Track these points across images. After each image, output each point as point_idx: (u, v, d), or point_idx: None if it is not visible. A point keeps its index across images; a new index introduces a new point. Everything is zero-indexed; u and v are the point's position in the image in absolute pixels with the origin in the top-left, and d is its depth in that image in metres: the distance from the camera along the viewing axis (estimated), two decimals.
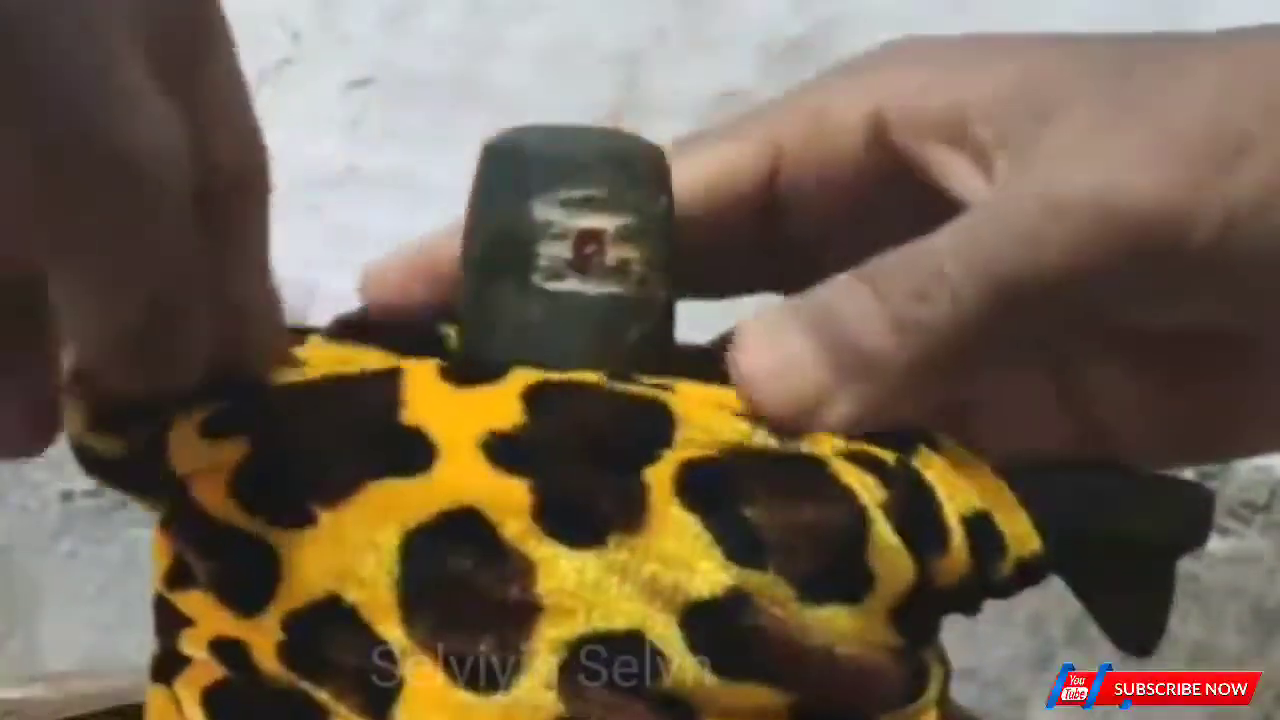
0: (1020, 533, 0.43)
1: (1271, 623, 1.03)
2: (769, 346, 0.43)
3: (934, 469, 0.43)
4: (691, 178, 0.47)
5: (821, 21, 1.01)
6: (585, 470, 0.40)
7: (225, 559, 0.42)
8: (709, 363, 0.45)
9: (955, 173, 0.47)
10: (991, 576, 0.43)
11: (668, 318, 0.45)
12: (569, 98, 1.00)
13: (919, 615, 0.43)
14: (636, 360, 0.43)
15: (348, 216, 1.00)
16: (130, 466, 0.43)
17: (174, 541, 0.43)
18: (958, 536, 0.42)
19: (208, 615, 0.42)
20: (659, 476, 0.40)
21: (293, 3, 1.01)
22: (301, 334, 0.46)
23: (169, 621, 0.44)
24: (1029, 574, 0.44)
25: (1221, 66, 0.44)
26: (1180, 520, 0.46)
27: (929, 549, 0.42)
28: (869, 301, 0.44)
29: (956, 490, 0.43)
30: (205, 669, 0.42)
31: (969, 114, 0.47)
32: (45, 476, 1.02)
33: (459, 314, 0.45)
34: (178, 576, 0.43)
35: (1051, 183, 0.43)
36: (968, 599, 0.44)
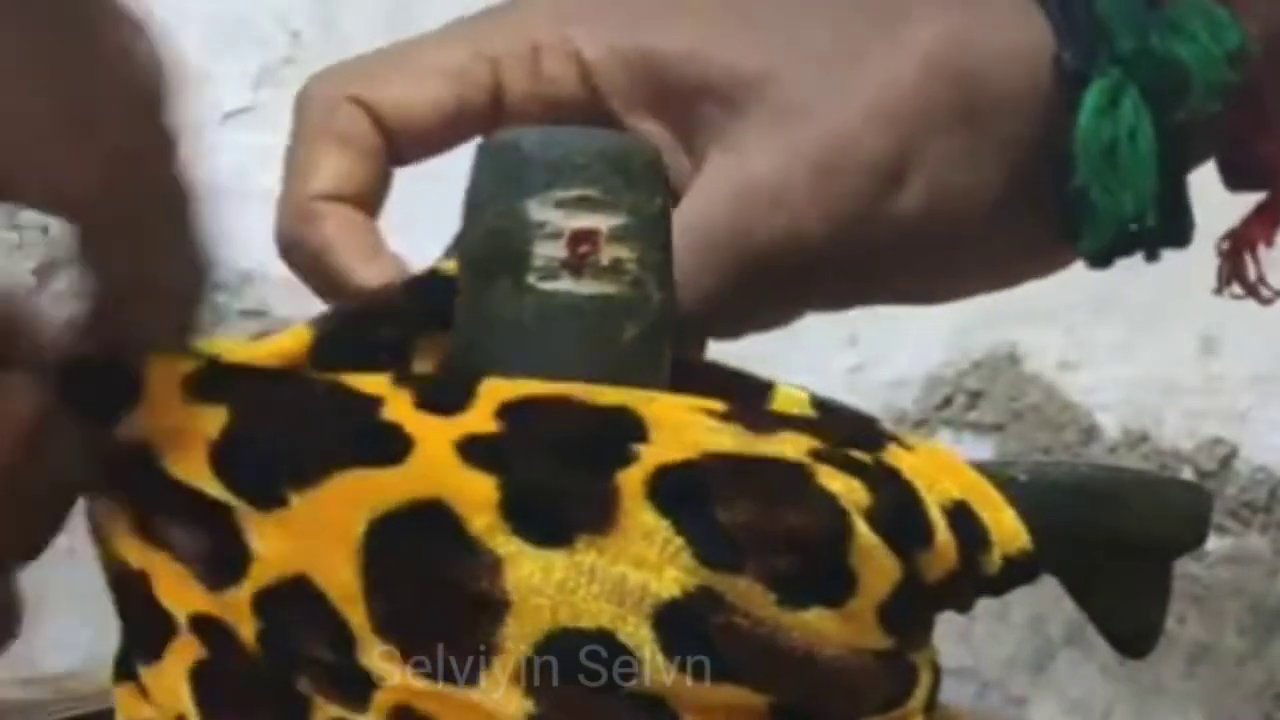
0: (1007, 529, 0.43)
1: (1271, 623, 1.03)
2: None
3: (908, 463, 0.43)
4: (416, 97, 0.49)
5: None
6: (555, 471, 0.40)
7: (199, 528, 0.41)
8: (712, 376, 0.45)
9: (662, 147, 0.49)
10: (979, 571, 0.43)
11: (664, 318, 0.45)
12: None
13: (909, 614, 0.42)
14: (631, 361, 0.43)
15: None
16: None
17: (142, 506, 0.42)
18: (942, 529, 0.42)
19: (182, 586, 0.42)
20: (631, 480, 0.40)
21: (293, 3, 1.01)
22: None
23: (137, 589, 0.43)
24: (1020, 571, 0.44)
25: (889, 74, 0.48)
26: (1178, 521, 0.46)
27: (915, 545, 0.42)
28: None
29: (933, 481, 0.43)
30: (189, 647, 0.42)
31: (672, 95, 0.49)
32: None
33: (454, 312, 0.45)
34: (145, 539, 0.43)
35: (706, 215, 0.48)
36: (958, 595, 0.44)
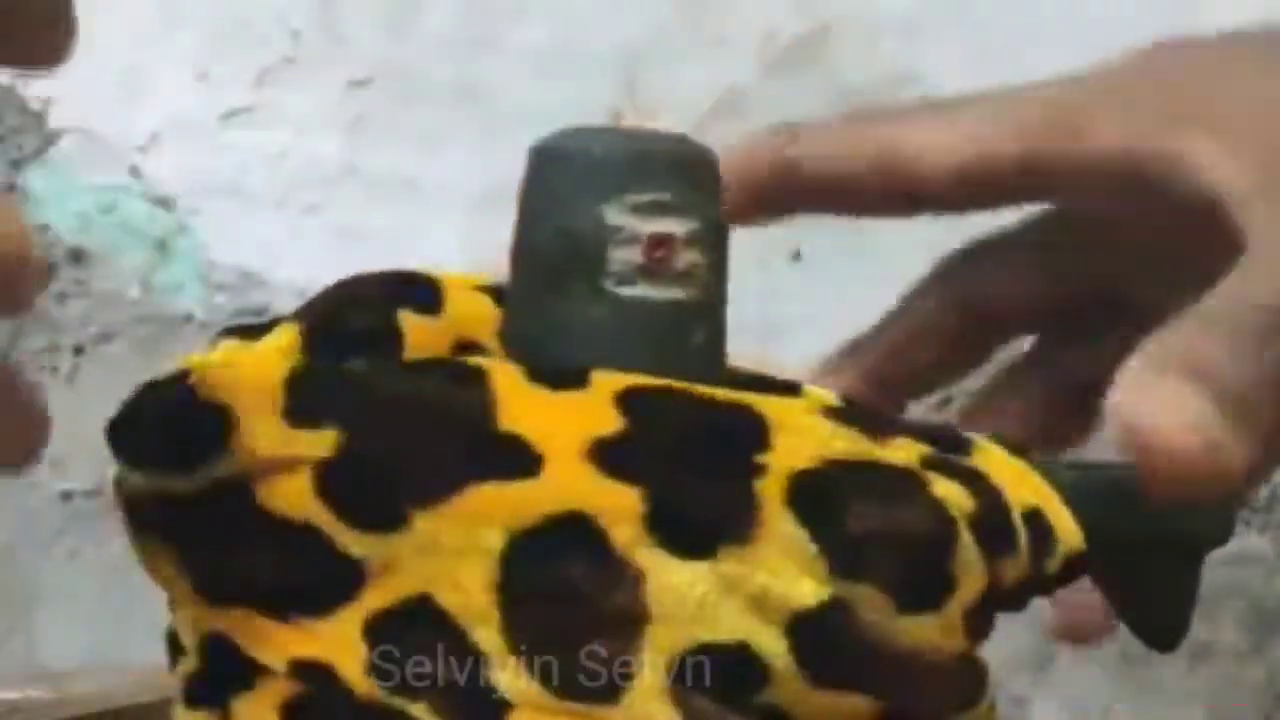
0: (1066, 529, 0.43)
1: (1271, 623, 1.03)
2: (1153, 396, 0.44)
3: (992, 467, 0.43)
4: (949, 144, 0.51)
5: (821, 21, 1.01)
6: (697, 480, 0.40)
7: (294, 561, 0.40)
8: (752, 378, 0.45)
9: (1207, 164, 0.48)
10: (1043, 573, 0.43)
11: (724, 321, 0.45)
12: (569, 98, 1.00)
13: (987, 617, 0.43)
14: (699, 364, 0.43)
15: (348, 216, 1.00)
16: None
17: (220, 550, 0.41)
18: (1023, 536, 0.42)
19: (272, 636, 0.40)
20: (770, 488, 0.40)
21: (293, 3, 1.01)
22: (265, 326, 0.44)
23: (220, 646, 0.41)
24: (1071, 572, 0.44)
25: None
26: (1206, 518, 0.47)
27: (1001, 552, 0.42)
28: (1234, 348, 0.45)
29: (1013, 487, 0.43)
30: (282, 685, 0.40)
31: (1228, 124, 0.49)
32: (45, 476, 1.02)
33: (508, 315, 0.45)
34: (219, 593, 0.41)
35: None
36: (1022, 597, 0.44)
